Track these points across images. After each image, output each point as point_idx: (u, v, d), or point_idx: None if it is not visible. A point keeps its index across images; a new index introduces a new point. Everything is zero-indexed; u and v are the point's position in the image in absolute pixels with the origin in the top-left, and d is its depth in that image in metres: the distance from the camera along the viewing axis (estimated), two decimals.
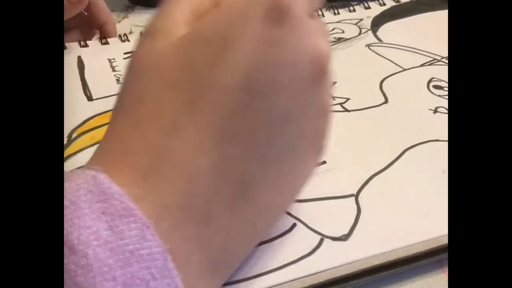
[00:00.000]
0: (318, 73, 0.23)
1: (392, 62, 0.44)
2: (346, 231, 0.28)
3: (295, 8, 0.22)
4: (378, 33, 0.49)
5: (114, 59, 0.44)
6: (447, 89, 0.40)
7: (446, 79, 0.41)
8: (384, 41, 0.47)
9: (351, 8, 0.53)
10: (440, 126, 0.36)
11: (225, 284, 0.24)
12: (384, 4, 0.54)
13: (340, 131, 0.35)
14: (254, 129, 0.22)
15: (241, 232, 0.23)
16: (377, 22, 0.50)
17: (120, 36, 0.48)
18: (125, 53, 0.45)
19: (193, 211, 0.21)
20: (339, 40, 0.47)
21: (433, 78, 0.41)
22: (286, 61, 0.22)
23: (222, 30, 0.22)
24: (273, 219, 0.25)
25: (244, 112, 0.22)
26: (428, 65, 0.43)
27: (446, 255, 0.27)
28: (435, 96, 0.39)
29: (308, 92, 0.23)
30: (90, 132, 0.36)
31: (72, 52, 0.45)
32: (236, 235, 0.23)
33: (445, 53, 0.44)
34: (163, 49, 0.23)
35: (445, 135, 0.35)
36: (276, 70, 0.22)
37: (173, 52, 0.22)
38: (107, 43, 0.47)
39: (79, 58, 0.44)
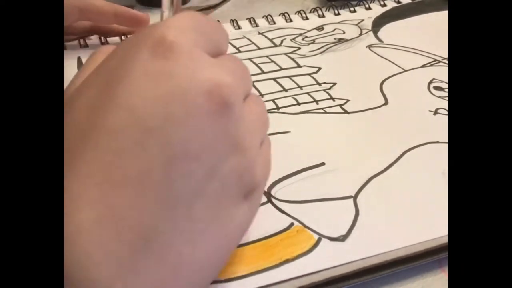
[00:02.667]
0: (218, 104, 0.21)
1: (393, 63, 0.44)
2: (344, 232, 0.28)
3: (182, 42, 0.21)
4: (379, 34, 0.49)
5: None
6: (447, 90, 0.40)
7: (447, 80, 0.41)
8: (385, 42, 0.47)
9: (352, 9, 0.53)
10: (440, 127, 0.36)
11: (222, 282, 0.25)
12: (385, 5, 0.54)
13: (340, 132, 0.36)
14: (149, 171, 0.19)
15: None
16: (378, 23, 0.50)
17: (120, 35, 0.48)
18: None
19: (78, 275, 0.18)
20: (340, 41, 0.47)
21: (433, 79, 0.41)
22: (176, 93, 0.20)
23: (112, 69, 0.21)
24: (203, 274, 0.22)
25: (134, 153, 0.19)
26: (428, 66, 0.43)
27: (445, 254, 0.27)
28: (436, 97, 0.39)
29: (212, 126, 0.21)
30: None
31: (72, 52, 0.45)
32: None
33: (445, 54, 0.44)
34: (69, 94, 0.23)
35: (445, 136, 0.35)
36: (168, 103, 0.20)
37: (69, 99, 0.22)
38: (107, 42, 0.47)
39: (79, 58, 0.44)
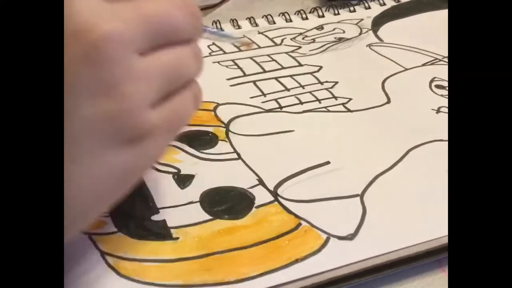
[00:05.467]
0: (84, 48, 0.21)
1: (394, 61, 0.44)
2: (352, 231, 0.28)
3: None
4: (379, 33, 0.49)
5: None
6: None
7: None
8: (385, 41, 0.47)
9: (351, 8, 0.53)
10: (443, 126, 0.36)
11: (233, 283, 0.24)
12: (384, 4, 0.54)
13: (343, 131, 0.36)
14: None
15: None
16: (378, 22, 0.51)
17: None
18: None
19: None
20: (340, 40, 0.47)
21: (435, 77, 0.41)
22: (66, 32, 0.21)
23: None
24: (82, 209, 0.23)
25: None
26: (429, 64, 0.43)
27: (446, 254, 0.27)
28: (438, 95, 0.39)
29: (75, 68, 0.21)
30: None
31: None
32: None
33: (446, 52, 0.44)
34: None
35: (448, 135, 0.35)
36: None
37: None
38: None
39: None
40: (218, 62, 0.44)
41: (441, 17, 0.50)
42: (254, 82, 0.41)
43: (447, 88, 0.40)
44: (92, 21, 0.21)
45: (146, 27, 0.23)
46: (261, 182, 0.31)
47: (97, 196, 0.23)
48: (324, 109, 0.38)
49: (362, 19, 0.51)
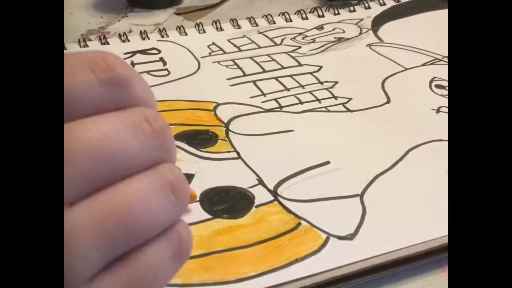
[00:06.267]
0: None
1: (393, 61, 0.44)
2: (352, 230, 0.28)
3: None
4: (379, 32, 0.49)
5: None
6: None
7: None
8: (385, 40, 0.47)
9: (351, 8, 0.53)
10: (443, 125, 0.36)
11: (233, 282, 0.24)
12: (384, 4, 0.54)
13: (343, 131, 0.36)
14: None
15: None
16: (378, 22, 0.50)
17: (119, 35, 0.48)
18: (125, 53, 0.45)
19: None
20: (340, 40, 0.47)
21: (435, 77, 0.41)
22: None
23: None
24: None
25: None
26: (429, 64, 0.43)
27: (446, 254, 0.27)
28: (438, 95, 0.39)
29: None
30: None
31: (72, 52, 0.45)
32: None
33: (445, 52, 0.44)
34: None
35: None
36: None
37: None
38: (107, 43, 0.47)
39: None
40: (218, 62, 0.44)
41: (441, 17, 0.50)
42: (254, 82, 0.41)
43: (447, 88, 0.40)
44: None
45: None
46: (260, 181, 0.31)
47: None
48: (324, 109, 0.38)
49: (362, 19, 0.51)
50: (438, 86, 0.40)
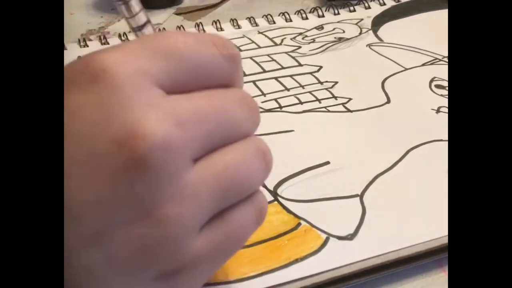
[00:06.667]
0: (127, 159, 0.17)
1: (394, 61, 0.44)
2: (351, 231, 0.28)
3: (116, 70, 0.18)
4: (379, 32, 0.49)
5: None
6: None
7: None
8: (385, 40, 0.47)
9: (351, 8, 0.53)
10: (443, 126, 0.36)
11: (232, 282, 0.24)
12: (384, 4, 0.54)
13: (343, 131, 0.36)
14: None
15: None
16: (378, 22, 0.50)
17: (120, 35, 0.48)
18: None
19: None
20: (340, 40, 0.47)
21: (434, 77, 0.41)
22: (78, 135, 0.17)
23: None
24: None
25: None
26: (429, 64, 0.43)
27: (446, 254, 0.27)
28: (437, 95, 0.39)
29: (110, 182, 0.17)
30: None
31: (72, 52, 0.45)
32: None
33: (445, 52, 0.44)
34: None
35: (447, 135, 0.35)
36: (67, 147, 0.17)
37: None
38: (107, 43, 0.47)
39: (79, 58, 0.43)
40: None
41: (441, 17, 0.50)
42: (254, 82, 0.41)
43: (447, 88, 0.40)
44: (143, 124, 0.17)
45: (204, 129, 0.19)
46: None
47: None
48: (324, 109, 0.38)
49: (362, 19, 0.51)
50: (438, 86, 0.40)
